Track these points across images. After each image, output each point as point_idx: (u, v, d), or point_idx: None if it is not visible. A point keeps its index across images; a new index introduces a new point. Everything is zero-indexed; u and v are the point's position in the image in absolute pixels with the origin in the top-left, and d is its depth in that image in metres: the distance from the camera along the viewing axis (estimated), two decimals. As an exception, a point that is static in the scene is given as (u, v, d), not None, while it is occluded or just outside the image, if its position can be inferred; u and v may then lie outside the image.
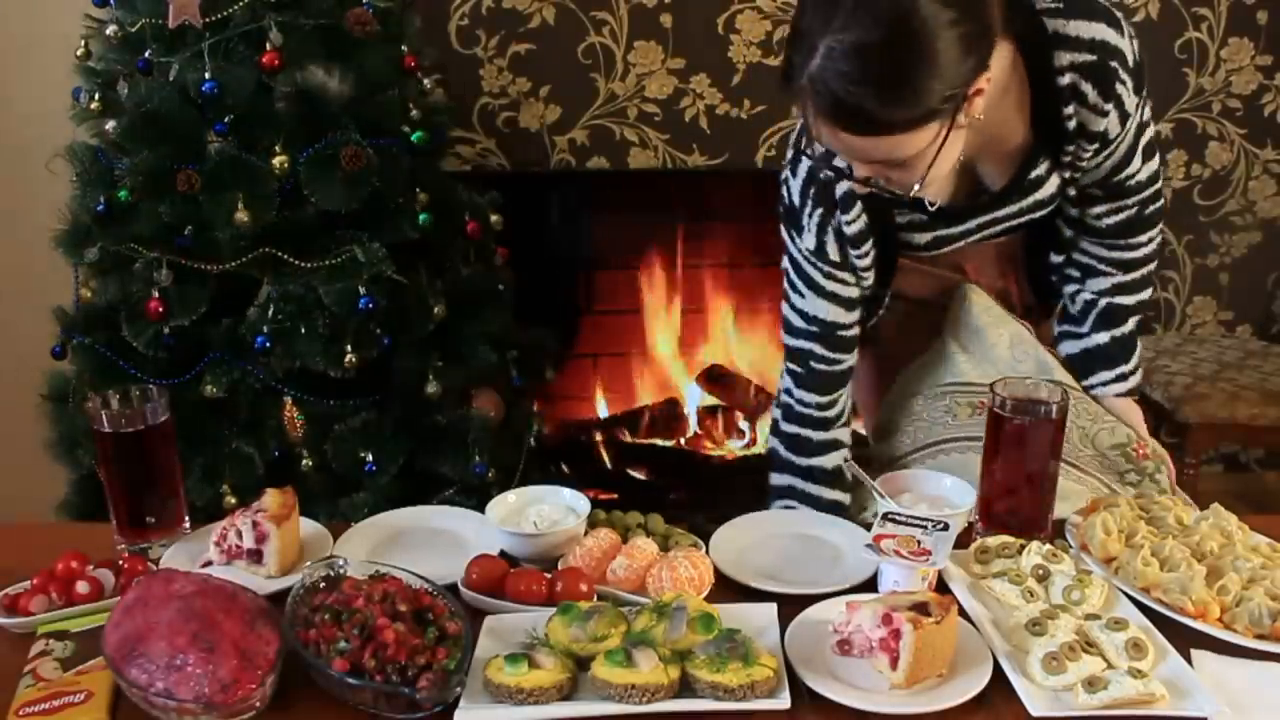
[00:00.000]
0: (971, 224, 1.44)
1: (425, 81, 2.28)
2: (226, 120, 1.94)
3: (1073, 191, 1.42)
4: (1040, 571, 1.17)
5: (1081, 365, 1.57)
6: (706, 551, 1.24)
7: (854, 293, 1.47)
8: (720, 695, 0.98)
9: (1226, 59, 2.91)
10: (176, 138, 1.94)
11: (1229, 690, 1.01)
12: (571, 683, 1.01)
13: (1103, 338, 1.55)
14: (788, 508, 1.53)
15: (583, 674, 1.02)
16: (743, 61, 2.84)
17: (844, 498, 1.55)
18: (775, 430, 1.58)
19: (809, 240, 1.43)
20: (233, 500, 1.95)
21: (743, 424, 3.08)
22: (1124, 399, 1.57)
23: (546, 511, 1.28)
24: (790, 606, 1.13)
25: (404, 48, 2.15)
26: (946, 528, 1.17)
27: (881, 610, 1.02)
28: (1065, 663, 1.00)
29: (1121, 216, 1.46)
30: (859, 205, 1.38)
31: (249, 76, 1.94)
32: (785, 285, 1.52)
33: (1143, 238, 1.50)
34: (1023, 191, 1.39)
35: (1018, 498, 1.28)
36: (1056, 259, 1.55)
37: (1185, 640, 1.08)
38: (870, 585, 1.18)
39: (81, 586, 1.16)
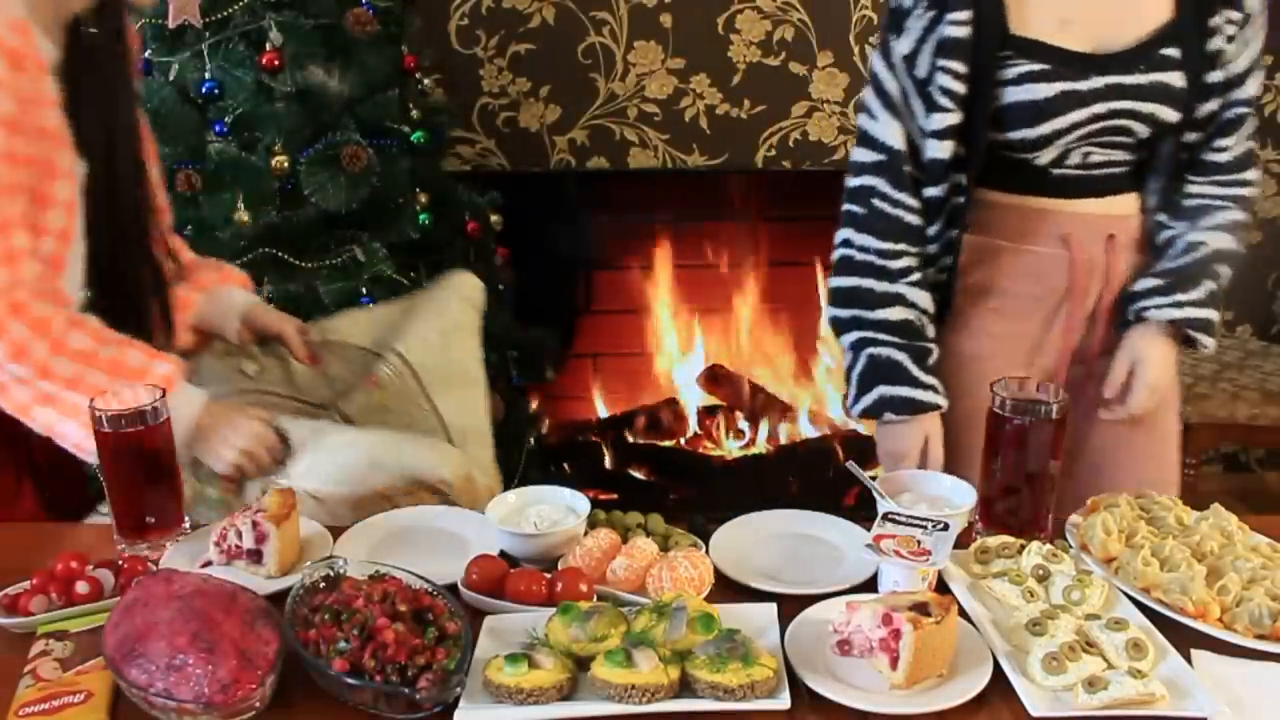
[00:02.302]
0: (1099, 83, 1.40)
1: (425, 81, 2.29)
2: (226, 120, 1.94)
3: (1196, 105, 1.42)
4: (1040, 571, 1.17)
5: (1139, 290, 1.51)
6: (706, 551, 1.24)
7: (914, 129, 1.46)
8: (720, 695, 0.98)
9: (1226, 59, 2.91)
10: (176, 138, 1.94)
11: (1229, 690, 1.01)
12: (571, 683, 1.01)
13: (1185, 260, 1.49)
14: (879, 360, 1.49)
15: (583, 674, 1.02)
16: (743, 61, 2.84)
17: (927, 345, 1.50)
18: (832, 295, 1.54)
19: (905, 44, 1.43)
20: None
21: (743, 424, 3.08)
22: (1162, 341, 1.51)
23: (546, 511, 1.28)
24: (790, 606, 1.13)
25: (404, 48, 2.15)
26: (946, 528, 1.17)
27: (881, 610, 1.02)
28: (1065, 663, 1.00)
29: (1242, 149, 1.45)
30: (970, 11, 1.38)
31: (249, 76, 1.94)
32: (860, 115, 1.51)
33: (1251, 174, 1.50)
34: (1151, 65, 1.39)
35: (1018, 498, 1.28)
36: (1165, 221, 1.52)
37: (1185, 640, 1.08)
38: (870, 585, 1.18)
39: (81, 586, 1.16)
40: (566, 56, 2.81)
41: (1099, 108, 1.42)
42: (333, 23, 2.01)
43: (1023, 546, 1.21)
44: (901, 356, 1.50)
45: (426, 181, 2.16)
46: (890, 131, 1.48)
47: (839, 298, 1.54)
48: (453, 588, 1.16)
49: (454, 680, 0.99)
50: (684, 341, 3.13)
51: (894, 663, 1.00)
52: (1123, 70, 1.41)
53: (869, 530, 1.18)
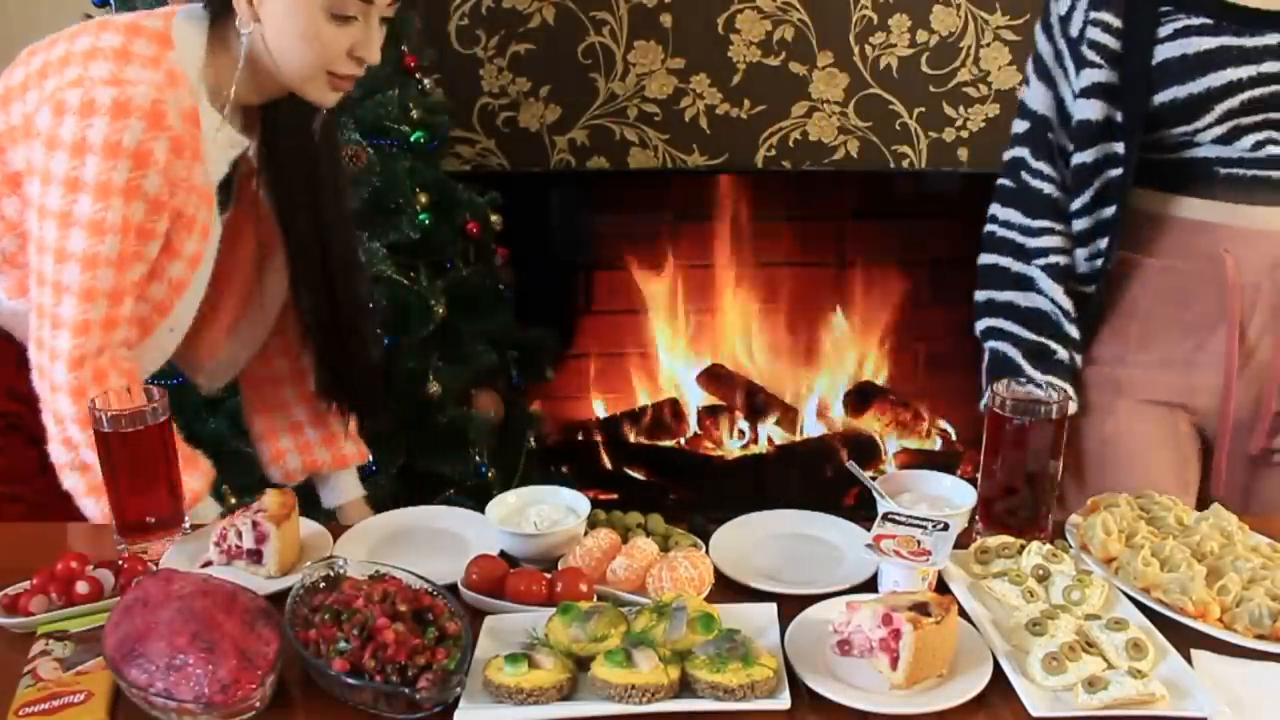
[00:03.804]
0: (1271, 39, 1.27)
1: (425, 81, 2.29)
2: (226, 120, 1.94)
3: None
4: (1040, 571, 1.17)
5: None
6: (706, 551, 1.24)
7: (1066, 94, 1.41)
8: (720, 695, 0.98)
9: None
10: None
11: (1229, 690, 1.01)
12: (571, 683, 1.01)
13: None
14: (997, 356, 1.44)
15: (583, 674, 1.02)
16: (743, 61, 2.84)
17: (1047, 343, 1.42)
18: (978, 276, 1.49)
19: (1063, 4, 1.39)
20: (233, 500, 1.95)
21: (743, 424, 3.08)
22: None
23: (546, 511, 1.28)
24: (790, 606, 1.13)
25: (404, 48, 2.15)
26: (946, 528, 1.17)
27: (881, 610, 1.02)
28: (1065, 663, 1.00)
29: None
30: None
31: (249, 76, 1.94)
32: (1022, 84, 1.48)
33: None
34: None
35: (1018, 498, 1.28)
36: None
37: (1185, 640, 1.08)
38: (870, 585, 1.18)
39: (81, 586, 1.16)
40: (566, 56, 2.81)
41: (1269, 66, 1.28)
42: (333, 23, 2.01)
43: (1023, 546, 1.21)
44: (1015, 353, 1.44)
45: (426, 181, 2.16)
46: (1038, 97, 1.43)
47: (978, 278, 1.49)
48: (453, 588, 1.16)
49: (454, 680, 0.99)
50: (684, 341, 3.13)
51: (894, 663, 1.00)
52: None
53: (869, 530, 1.18)
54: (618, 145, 2.89)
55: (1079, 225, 1.45)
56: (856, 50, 2.81)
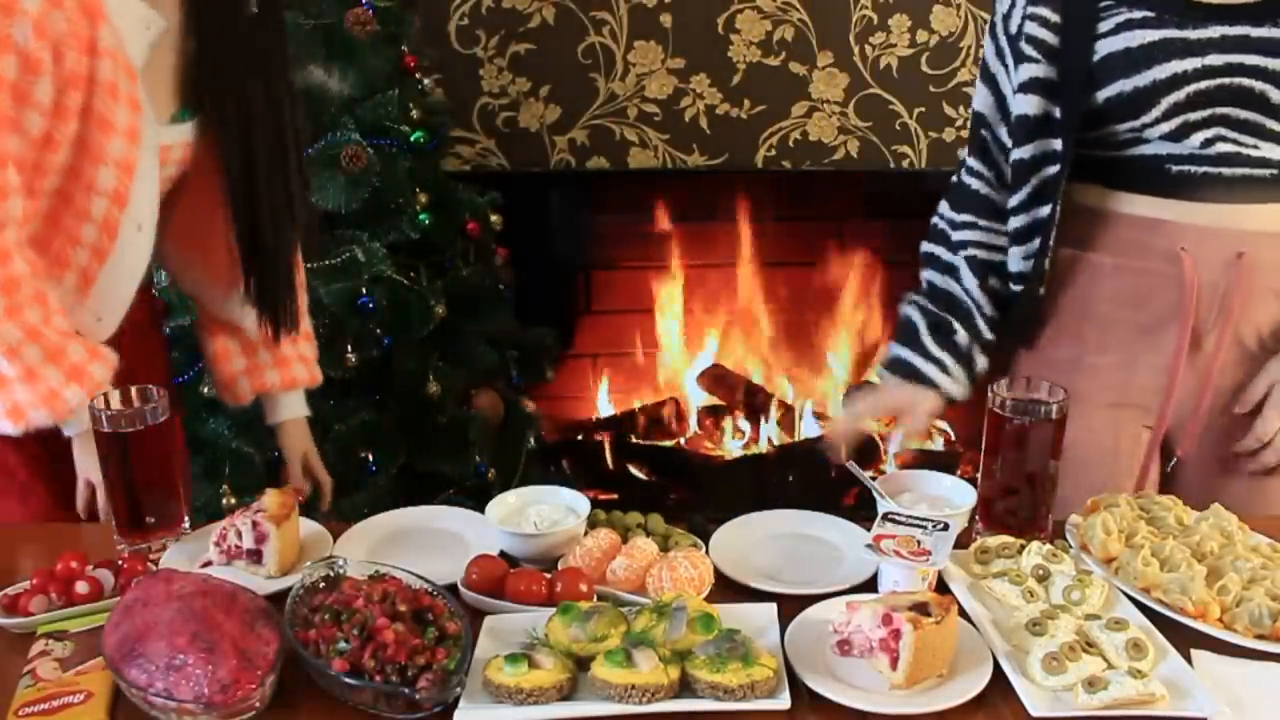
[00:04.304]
0: (1214, 32, 1.26)
1: (425, 81, 2.29)
2: (226, 120, 1.94)
3: None
4: (1040, 571, 1.17)
5: None
6: (706, 551, 1.24)
7: (1006, 90, 1.43)
8: (720, 695, 0.98)
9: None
10: (176, 138, 1.94)
11: (1229, 690, 1.01)
12: (571, 683, 1.01)
13: None
14: (902, 320, 1.54)
15: (583, 674, 1.02)
16: (743, 61, 2.84)
17: (951, 321, 1.49)
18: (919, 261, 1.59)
19: (1004, 3, 1.42)
20: (233, 500, 1.95)
21: (743, 424, 3.08)
22: None
23: (546, 511, 1.28)
24: (790, 606, 1.13)
25: (404, 48, 2.16)
26: (946, 528, 1.17)
27: (881, 610, 1.02)
28: (1065, 663, 1.00)
29: None
30: None
31: (249, 76, 1.94)
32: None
33: None
34: None
35: (1018, 498, 1.28)
36: None
37: (1185, 640, 1.08)
38: (870, 585, 1.18)
39: (81, 586, 1.16)
40: (566, 56, 2.81)
41: (1214, 59, 1.26)
42: (333, 23, 2.02)
43: (1023, 546, 1.21)
44: (920, 320, 1.52)
45: (426, 181, 2.16)
46: (980, 96, 1.48)
47: (921, 261, 1.58)
48: (453, 588, 1.16)
49: (454, 680, 0.99)
50: (684, 341, 3.13)
51: (894, 663, 1.00)
52: (1252, 21, 1.25)
53: (869, 530, 1.18)
54: (618, 145, 2.89)
55: (1016, 222, 1.45)
56: (856, 50, 2.81)
